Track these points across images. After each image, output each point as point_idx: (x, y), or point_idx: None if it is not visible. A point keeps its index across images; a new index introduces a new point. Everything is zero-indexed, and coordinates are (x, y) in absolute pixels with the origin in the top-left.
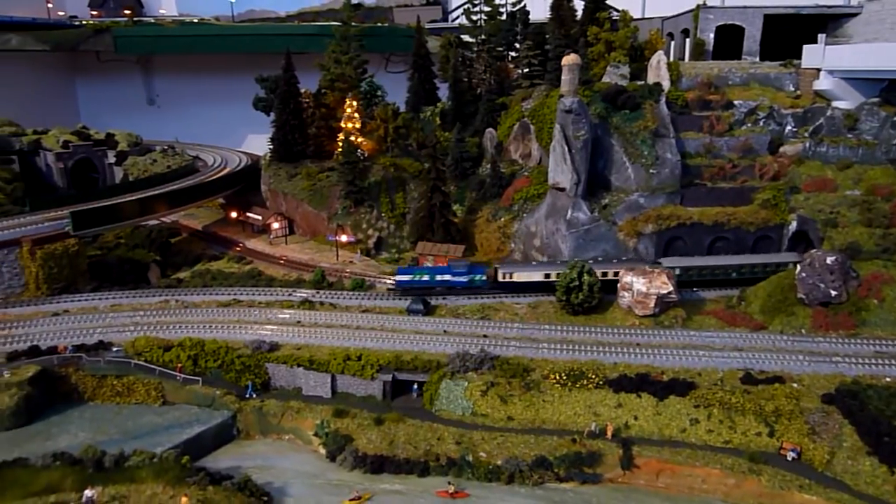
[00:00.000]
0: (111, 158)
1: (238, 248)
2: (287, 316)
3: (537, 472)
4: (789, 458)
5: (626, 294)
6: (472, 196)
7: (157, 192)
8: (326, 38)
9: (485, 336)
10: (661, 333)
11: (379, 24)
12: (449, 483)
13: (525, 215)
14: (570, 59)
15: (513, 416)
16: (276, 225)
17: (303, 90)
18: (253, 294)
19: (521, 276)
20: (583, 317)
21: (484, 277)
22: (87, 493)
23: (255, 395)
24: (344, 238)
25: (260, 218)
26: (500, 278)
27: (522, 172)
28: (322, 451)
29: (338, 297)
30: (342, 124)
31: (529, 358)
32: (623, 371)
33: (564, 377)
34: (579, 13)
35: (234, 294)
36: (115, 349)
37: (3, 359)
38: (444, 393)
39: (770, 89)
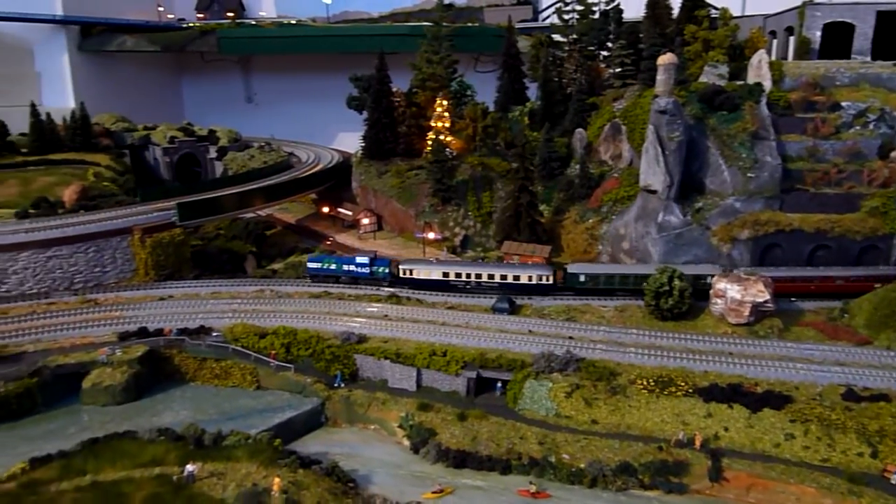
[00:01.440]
0: (212, 153)
1: (328, 242)
2: (375, 309)
3: (621, 477)
4: (893, 482)
5: (719, 301)
6: (560, 196)
7: (254, 186)
8: (418, 38)
9: (570, 338)
10: (755, 343)
11: (469, 24)
12: (531, 483)
13: (614, 217)
14: (666, 59)
15: (597, 420)
16: (365, 220)
17: (394, 89)
18: (342, 287)
19: (419, 273)
20: (672, 323)
21: (386, 270)
22: (189, 467)
23: (343, 385)
24: (431, 235)
25: (350, 213)
26: (400, 274)
27: (612, 174)
28: (406, 442)
29: (424, 293)
30: (432, 123)
31: (616, 362)
32: (714, 380)
33: (652, 383)
34: (675, 11)
35: (325, 286)
36: (214, 334)
37: (115, 338)
38: (528, 392)
39: (882, 90)
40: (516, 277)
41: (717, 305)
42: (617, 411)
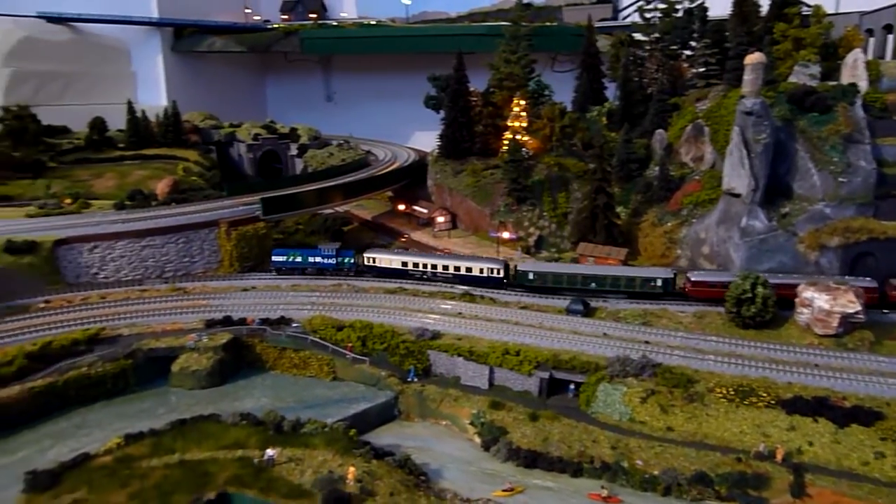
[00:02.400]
0: (293, 150)
1: (403, 239)
2: (449, 307)
3: (696, 487)
4: None
5: (805, 311)
6: (638, 199)
7: (333, 183)
8: (496, 37)
9: (646, 342)
10: (844, 356)
11: (548, 24)
12: (602, 487)
13: (694, 221)
14: (754, 58)
15: (673, 427)
16: (440, 219)
17: (471, 89)
18: (417, 283)
19: (381, 262)
20: (753, 331)
21: (352, 261)
22: (269, 451)
23: (416, 380)
24: (505, 235)
25: (425, 211)
26: (365, 262)
27: (693, 176)
28: (477, 439)
29: (497, 292)
30: (509, 123)
31: (694, 369)
32: (798, 392)
33: (732, 392)
34: (764, 9)
35: (400, 282)
36: (294, 325)
37: (202, 325)
38: (602, 396)
39: None
40: (469, 269)
41: (803, 315)
42: (694, 419)
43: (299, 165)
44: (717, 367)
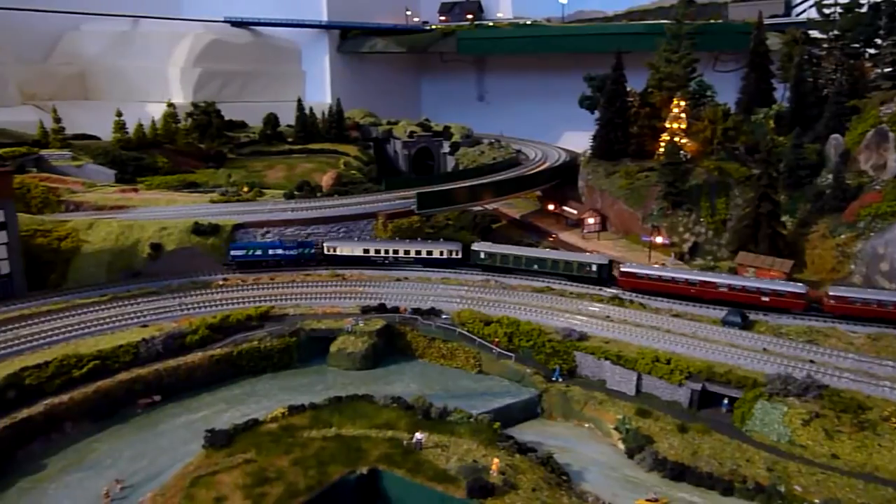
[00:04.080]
0: (445, 148)
1: (551, 239)
2: (597, 309)
3: None
4: None
5: None
6: (807, 208)
7: (483, 181)
8: (655, 36)
9: (811, 361)
10: None
11: (712, 21)
12: None
13: (872, 235)
14: None
15: (838, 455)
16: (590, 220)
17: (628, 89)
18: (564, 283)
19: (342, 251)
20: None
21: (312, 251)
22: (418, 435)
23: (561, 380)
24: (658, 240)
25: (575, 212)
26: (325, 251)
27: (873, 186)
28: (621, 446)
29: (648, 298)
30: (667, 124)
31: (866, 394)
32: None
33: None
34: None
35: (548, 281)
36: (443, 316)
37: (358, 311)
38: (759, 414)
39: None
40: (429, 252)
41: None
42: (864, 449)
43: (451, 163)
44: (893, 394)
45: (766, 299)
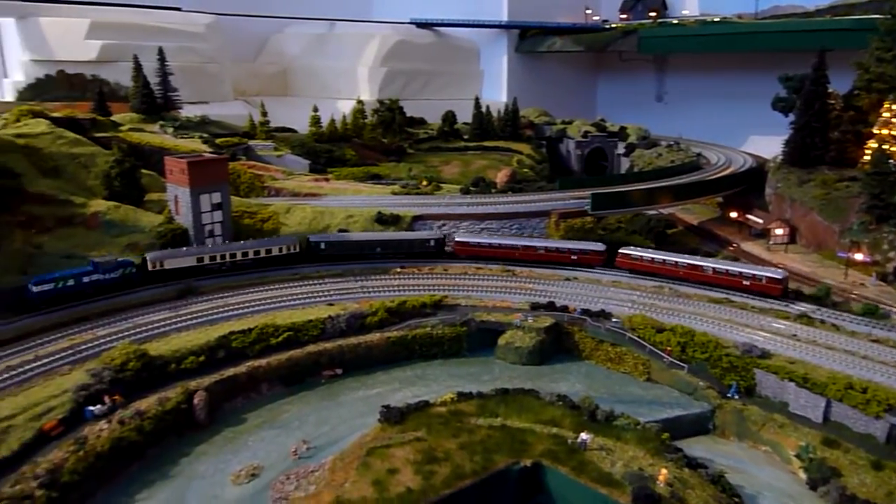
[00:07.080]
0: (620, 149)
1: (731, 249)
2: (782, 326)
3: None
4: None
5: None
6: None
7: (660, 184)
8: (865, 32)
9: None
10: None
11: None
12: None
13: None
14: None
15: None
16: (779, 231)
17: (830, 91)
18: (745, 297)
19: (171, 264)
20: None
21: (134, 270)
22: (583, 435)
23: (737, 397)
24: (858, 256)
25: (761, 221)
26: (149, 267)
27: None
28: (801, 475)
29: (841, 319)
30: (875, 130)
31: None
32: None
33: None
34: None
35: (727, 293)
36: (613, 320)
37: (528, 307)
38: None
39: None
40: (268, 251)
41: None
42: None
43: (625, 164)
44: None
45: None
